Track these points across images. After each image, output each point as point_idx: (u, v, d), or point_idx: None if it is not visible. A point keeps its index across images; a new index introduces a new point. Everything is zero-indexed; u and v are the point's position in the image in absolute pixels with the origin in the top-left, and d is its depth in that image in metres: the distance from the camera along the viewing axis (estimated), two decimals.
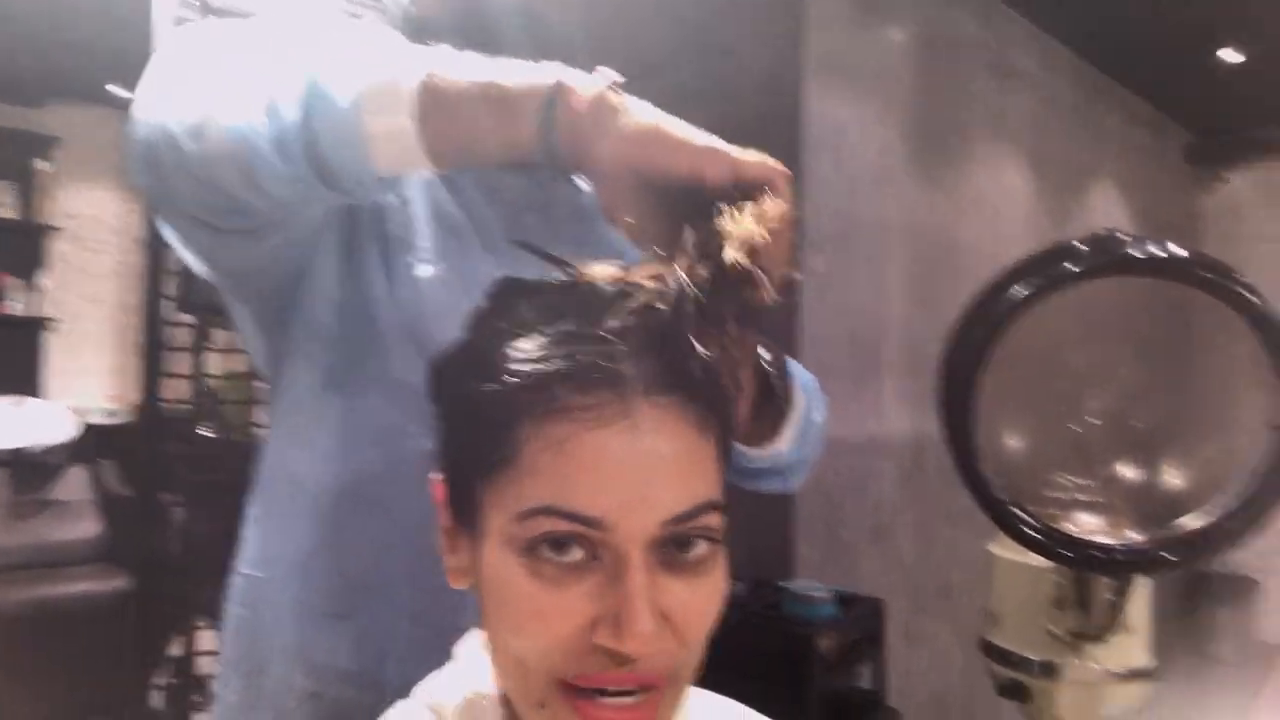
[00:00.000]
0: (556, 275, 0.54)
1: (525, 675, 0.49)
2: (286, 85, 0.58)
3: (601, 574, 0.47)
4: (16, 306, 4.28)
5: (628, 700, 0.48)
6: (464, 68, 0.59)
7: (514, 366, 0.48)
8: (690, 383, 0.49)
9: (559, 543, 0.47)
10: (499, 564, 0.49)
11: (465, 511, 0.52)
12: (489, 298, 0.54)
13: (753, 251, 0.52)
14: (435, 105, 0.57)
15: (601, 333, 0.48)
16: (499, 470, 0.48)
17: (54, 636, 3.21)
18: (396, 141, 0.57)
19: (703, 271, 0.51)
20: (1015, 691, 1.26)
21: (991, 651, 1.32)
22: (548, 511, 0.47)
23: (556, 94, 0.57)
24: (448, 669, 0.58)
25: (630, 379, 0.47)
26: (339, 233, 0.83)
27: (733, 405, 0.53)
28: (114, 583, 3.36)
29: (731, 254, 0.51)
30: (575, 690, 0.48)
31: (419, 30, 0.91)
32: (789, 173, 0.58)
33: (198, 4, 1.80)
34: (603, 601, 0.47)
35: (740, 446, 0.82)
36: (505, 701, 0.54)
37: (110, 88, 4.19)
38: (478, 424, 0.49)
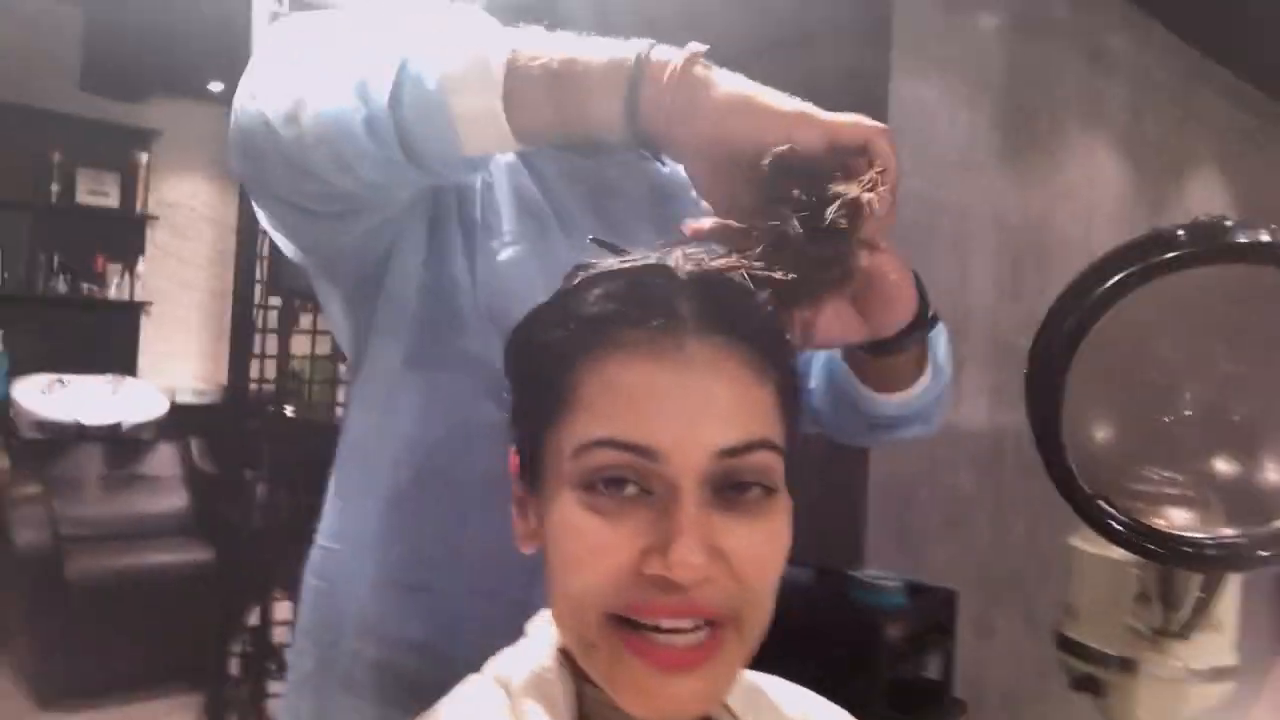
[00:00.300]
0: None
1: (579, 614, 0.49)
2: (376, 68, 0.58)
3: (655, 507, 0.48)
4: (115, 291, 4.47)
5: (682, 640, 0.48)
6: (550, 45, 0.59)
7: (573, 312, 0.51)
8: (745, 325, 0.50)
9: (614, 479, 0.48)
10: (558, 505, 0.50)
11: (533, 471, 0.53)
12: (569, 274, 0.56)
13: (856, 214, 0.52)
14: (520, 85, 0.57)
15: (657, 278, 0.50)
16: (558, 414, 0.50)
17: (141, 604, 3.37)
18: (483, 122, 0.58)
19: (804, 241, 0.52)
20: (1090, 686, 1.24)
21: (1067, 645, 1.30)
22: (602, 444, 0.48)
23: (640, 71, 0.57)
24: (519, 644, 0.59)
25: (684, 316, 0.49)
26: (424, 215, 0.85)
27: (791, 352, 0.53)
28: (198, 554, 3.51)
29: (833, 216, 0.51)
30: (629, 626, 0.48)
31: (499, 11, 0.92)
32: (887, 128, 0.56)
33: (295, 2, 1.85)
34: (653, 533, 0.47)
35: (881, 395, 0.83)
36: (573, 676, 0.54)
37: (210, 85, 4.35)
38: (540, 374, 0.51)
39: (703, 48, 0.60)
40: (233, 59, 1.75)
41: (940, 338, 0.93)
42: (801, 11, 2.63)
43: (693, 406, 0.48)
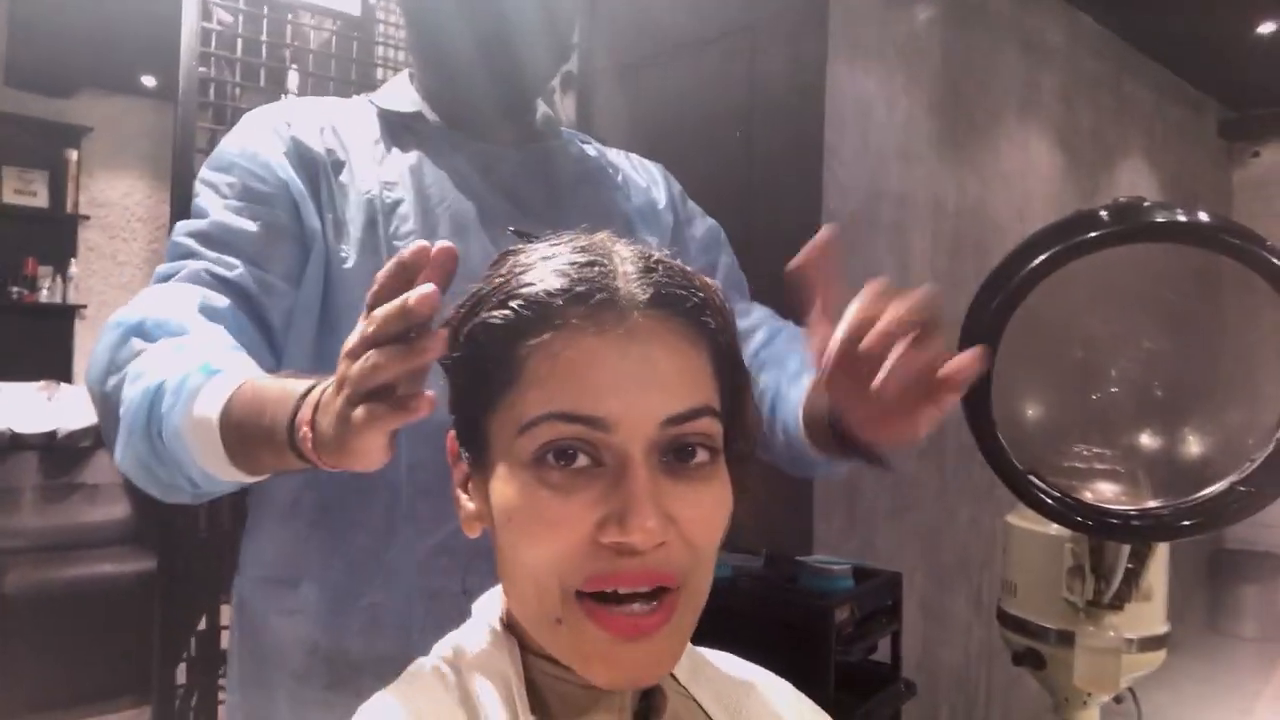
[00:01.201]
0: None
1: (539, 592, 0.50)
2: (143, 403, 0.68)
3: (606, 478, 0.49)
4: (47, 294, 4.35)
5: (642, 607, 0.49)
6: (254, 390, 0.64)
7: (516, 292, 0.51)
8: (679, 300, 0.52)
9: (563, 451, 0.49)
10: (507, 484, 0.50)
11: (475, 452, 0.54)
12: (491, 265, 0.56)
13: None
14: (228, 432, 0.64)
15: (595, 256, 0.52)
16: (502, 394, 0.51)
17: (83, 615, 3.28)
18: (217, 461, 0.66)
19: None
20: (1031, 660, 1.27)
21: (1008, 620, 1.33)
22: (550, 418, 0.48)
23: (294, 419, 0.59)
24: (464, 625, 0.59)
25: (624, 291, 0.50)
26: (316, 263, 0.88)
27: (726, 326, 0.55)
28: (141, 563, 3.42)
29: None
30: (590, 599, 0.49)
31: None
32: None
33: None
34: (607, 503, 0.48)
35: (812, 453, 0.86)
36: (519, 650, 0.55)
37: (142, 79, 4.24)
38: (483, 356, 0.51)
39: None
40: (164, 52, 1.72)
41: None
42: (741, 5, 2.64)
43: (639, 377, 0.49)
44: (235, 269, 0.83)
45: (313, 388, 0.58)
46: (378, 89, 1.01)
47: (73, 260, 4.45)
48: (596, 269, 0.51)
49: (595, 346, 0.49)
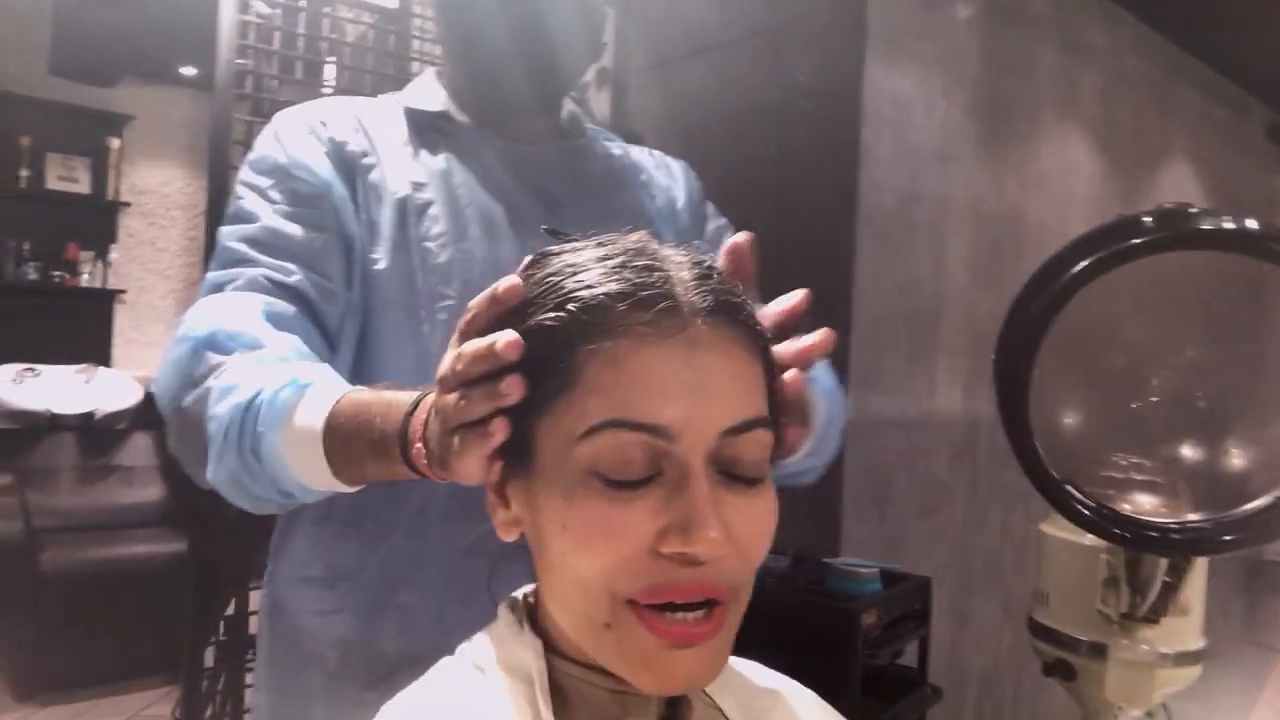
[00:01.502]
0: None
1: (589, 599, 0.50)
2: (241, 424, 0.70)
3: (665, 487, 0.48)
4: (87, 279, 4.42)
5: (694, 615, 0.49)
6: (356, 404, 0.67)
7: (573, 294, 0.50)
8: (736, 308, 0.51)
9: (623, 459, 0.48)
10: (561, 491, 0.49)
11: (518, 455, 0.52)
12: (528, 264, 0.55)
13: None
14: (333, 444, 0.67)
15: (651, 261, 0.51)
16: (556, 398, 0.50)
17: (117, 595, 3.33)
18: (318, 473, 0.68)
19: None
20: (1062, 670, 1.25)
21: (1039, 630, 1.31)
22: (612, 425, 0.48)
23: (406, 433, 0.61)
24: (491, 626, 0.59)
25: (684, 299, 0.50)
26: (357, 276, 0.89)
27: (769, 340, 0.55)
28: (173, 545, 3.47)
29: None
30: (642, 608, 0.49)
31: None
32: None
33: None
34: (668, 513, 0.48)
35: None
36: (547, 652, 0.55)
37: (182, 70, 4.30)
38: (535, 358, 0.50)
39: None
40: (204, 44, 1.74)
41: (835, 412, 0.94)
42: (777, 4, 2.63)
43: (701, 386, 0.49)
44: (294, 274, 0.83)
45: (417, 404, 0.61)
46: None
47: (113, 246, 4.53)
48: (656, 274, 0.50)
49: (659, 354, 0.48)
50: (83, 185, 4.44)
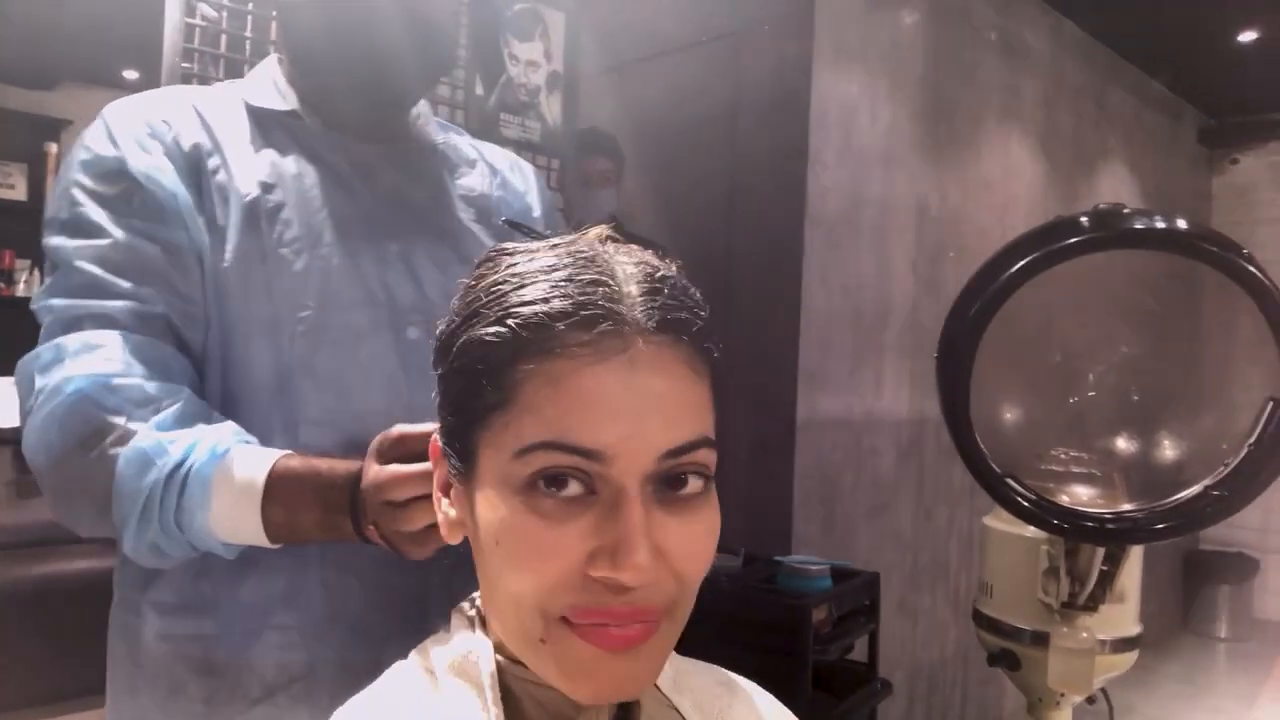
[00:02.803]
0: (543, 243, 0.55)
1: (523, 615, 0.49)
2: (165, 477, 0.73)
3: (599, 508, 0.48)
4: (23, 288, 4.30)
5: (628, 628, 0.49)
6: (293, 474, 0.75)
7: (514, 310, 0.49)
8: (684, 324, 0.50)
9: (556, 478, 0.48)
10: (496, 505, 0.49)
11: (462, 462, 0.52)
12: (481, 263, 0.55)
13: None
14: (272, 513, 0.74)
15: (598, 274, 0.50)
16: (496, 413, 0.49)
17: (54, 614, 3.24)
18: (247, 534, 0.75)
19: None
20: (1006, 660, 1.28)
21: (983, 621, 1.34)
22: (546, 446, 0.47)
23: (356, 514, 0.72)
24: (444, 631, 0.59)
25: (628, 318, 0.48)
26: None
27: (720, 351, 0.54)
28: (113, 561, 3.37)
29: None
30: (574, 625, 0.48)
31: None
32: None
33: None
34: (600, 536, 0.47)
35: None
36: (498, 654, 0.55)
37: (124, 73, 4.21)
38: (477, 371, 0.50)
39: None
40: (147, 46, 1.70)
41: None
42: (727, 8, 2.65)
43: (639, 408, 0.48)
44: (157, 304, 0.80)
45: (355, 491, 0.71)
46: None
47: (72, 223, 4.41)
48: (600, 290, 0.49)
49: (596, 375, 0.47)
50: (19, 192, 4.31)
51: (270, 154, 0.87)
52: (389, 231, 0.89)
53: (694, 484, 0.50)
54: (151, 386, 0.76)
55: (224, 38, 1.71)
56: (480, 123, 1.97)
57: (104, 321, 0.78)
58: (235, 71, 1.78)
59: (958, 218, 3.12)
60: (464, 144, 1.03)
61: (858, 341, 2.71)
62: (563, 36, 2.11)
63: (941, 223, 3.03)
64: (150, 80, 1.68)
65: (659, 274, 0.51)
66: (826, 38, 2.55)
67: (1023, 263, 1.10)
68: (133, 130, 0.84)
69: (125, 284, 0.79)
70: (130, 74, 4.32)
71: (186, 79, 1.66)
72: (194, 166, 0.84)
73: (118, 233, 0.80)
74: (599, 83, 2.70)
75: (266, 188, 0.85)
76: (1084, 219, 1.14)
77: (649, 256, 0.53)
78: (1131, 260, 1.16)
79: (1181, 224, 1.10)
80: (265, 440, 0.80)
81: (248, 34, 1.73)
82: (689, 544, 0.49)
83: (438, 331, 0.55)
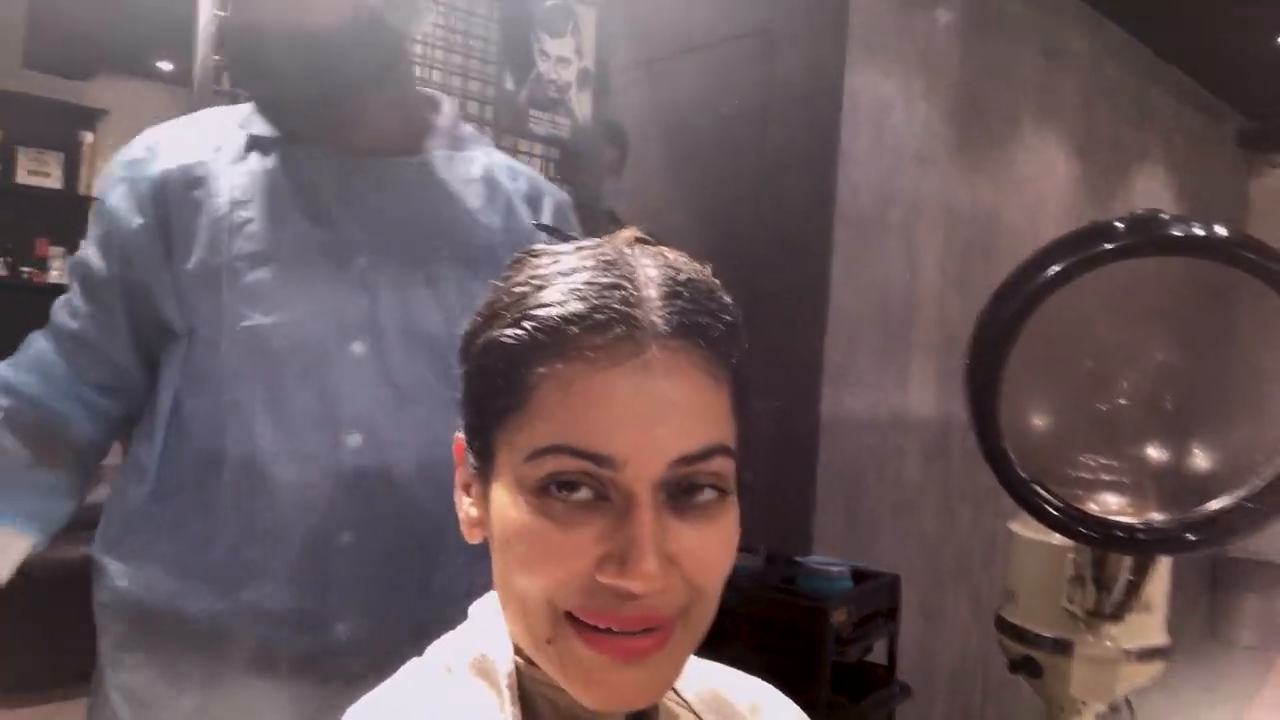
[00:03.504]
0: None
1: (529, 615, 0.49)
2: None
3: (610, 514, 0.47)
4: (56, 275, 4.36)
5: (637, 635, 0.48)
6: None
7: (531, 312, 0.49)
8: (703, 330, 0.49)
9: (568, 483, 0.47)
10: (509, 506, 0.49)
11: (481, 462, 0.53)
12: (511, 264, 0.55)
13: None
14: None
15: (617, 278, 0.49)
16: (511, 415, 0.49)
17: (33, 603, 3.26)
18: None
19: None
20: (1028, 668, 1.27)
21: (1006, 628, 1.32)
22: (557, 450, 0.47)
23: None
24: (460, 628, 0.59)
25: (645, 321, 0.48)
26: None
27: (745, 357, 0.53)
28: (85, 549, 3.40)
29: None
30: (583, 623, 0.48)
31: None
32: None
33: None
34: (610, 541, 0.47)
35: None
36: (515, 656, 0.54)
37: (158, 64, 4.26)
38: (494, 373, 0.50)
39: None
40: (181, 38, 1.72)
41: None
42: (760, 6, 2.64)
43: (651, 414, 0.47)
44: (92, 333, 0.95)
45: None
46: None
47: (83, 242, 4.47)
48: (618, 293, 0.48)
49: (608, 380, 0.47)
50: (54, 180, 4.38)
51: (248, 170, 0.92)
52: (352, 249, 0.92)
53: (710, 494, 0.49)
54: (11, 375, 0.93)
55: None
56: (510, 119, 1.98)
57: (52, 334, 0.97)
58: None
59: (989, 217, 3.08)
60: (474, 161, 1.02)
61: (885, 340, 2.69)
62: (594, 32, 2.10)
63: (972, 222, 3.01)
64: (183, 71, 1.69)
65: (681, 277, 0.50)
66: (860, 35, 2.52)
67: (1057, 268, 1.09)
68: (121, 160, 0.97)
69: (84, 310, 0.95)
70: (164, 65, 4.37)
71: (219, 71, 1.67)
72: (158, 192, 0.91)
73: (98, 266, 0.95)
74: (630, 79, 2.69)
75: (237, 204, 0.90)
76: (1120, 224, 1.12)
77: (677, 259, 0.52)
78: (1167, 267, 1.15)
79: (1220, 231, 1.08)
80: (223, 446, 0.88)
81: None
82: (702, 552, 0.49)
83: (463, 331, 0.55)
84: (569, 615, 0.48)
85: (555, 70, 2.04)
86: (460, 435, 0.56)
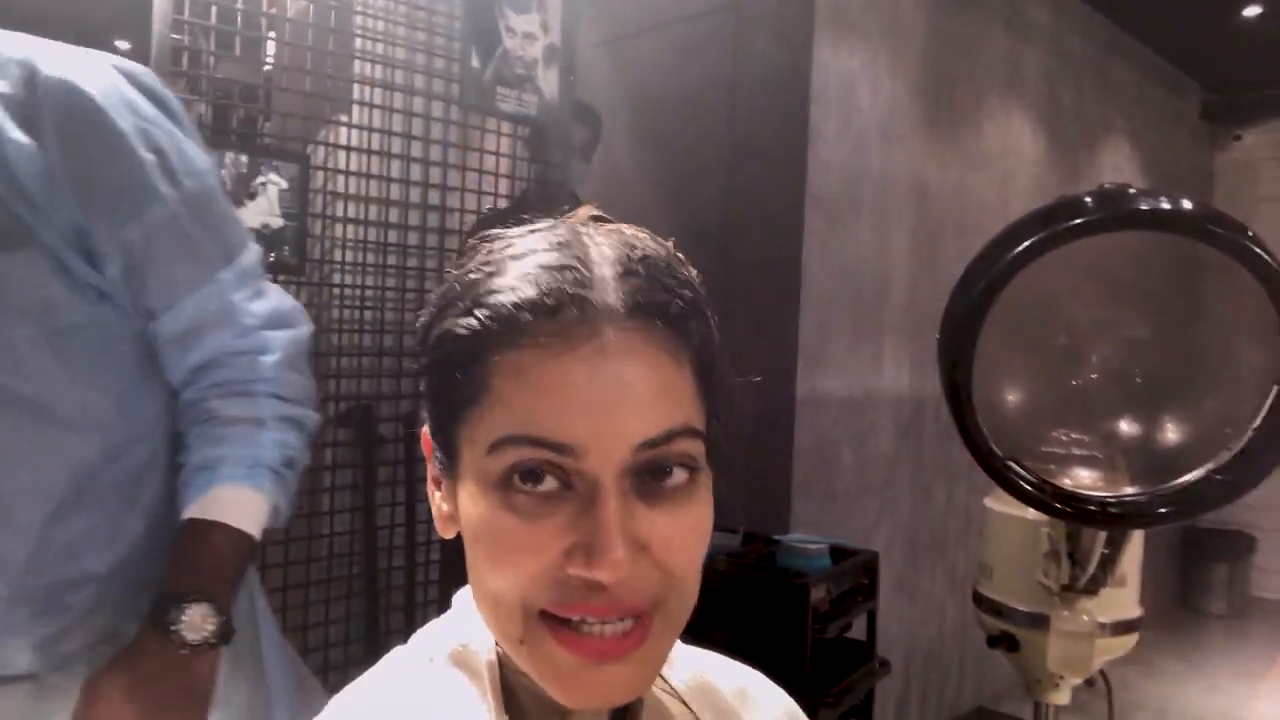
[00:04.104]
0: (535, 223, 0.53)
1: (501, 614, 0.48)
2: None
3: (575, 503, 0.46)
4: None
5: (610, 629, 0.47)
6: None
7: (484, 300, 0.47)
8: (661, 308, 0.47)
9: (530, 473, 0.46)
10: (474, 501, 0.48)
11: (448, 456, 0.51)
12: (462, 251, 0.53)
13: None
14: None
15: (569, 259, 0.47)
16: (470, 407, 0.48)
17: None
18: None
19: None
20: (1005, 642, 1.28)
21: (982, 603, 1.33)
22: (515, 440, 0.46)
23: None
24: (444, 617, 0.57)
25: (597, 303, 0.46)
26: None
27: (710, 332, 0.51)
28: None
29: None
30: (556, 620, 0.47)
31: None
32: None
33: None
34: (576, 531, 0.45)
35: None
36: (495, 650, 0.54)
37: (116, 43, 4.16)
38: (450, 364, 0.48)
39: None
40: (138, 17, 1.68)
41: None
42: None
43: (610, 399, 0.45)
44: None
45: None
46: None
47: None
48: (570, 274, 0.47)
49: (564, 366, 0.45)
50: None
51: None
52: None
53: (679, 475, 0.48)
54: None
55: (214, 9, 1.68)
56: (476, 96, 1.95)
57: None
58: (227, 43, 1.75)
59: (958, 194, 3.09)
60: None
61: (857, 319, 2.70)
62: (560, 8, 2.07)
63: (941, 199, 3.01)
64: (141, 52, 1.65)
65: (637, 254, 0.49)
66: (827, 9, 2.51)
67: (1026, 244, 1.09)
68: None
69: None
70: (122, 44, 4.27)
71: (177, 51, 1.63)
72: None
73: None
74: (597, 55, 2.66)
75: None
76: (1088, 199, 1.13)
77: (635, 236, 0.51)
78: (1136, 241, 1.15)
79: (1187, 205, 1.09)
80: None
81: (239, 5, 1.70)
82: (673, 537, 0.47)
83: (418, 323, 0.53)
84: (542, 613, 0.47)
85: (521, 47, 2.01)
86: (426, 430, 0.55)
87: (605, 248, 0.49)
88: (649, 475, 0.47)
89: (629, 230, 0.52)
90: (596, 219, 0.53)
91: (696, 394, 0.49)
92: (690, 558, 0.49)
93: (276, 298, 0.94)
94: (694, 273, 0.51)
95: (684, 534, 0.48)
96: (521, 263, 0.48)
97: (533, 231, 0.51)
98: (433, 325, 0.50)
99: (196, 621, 0.82)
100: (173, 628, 0.81)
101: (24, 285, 0.79)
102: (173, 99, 0.91)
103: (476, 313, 0.47)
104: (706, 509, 0.50)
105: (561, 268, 0.47)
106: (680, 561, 0.48)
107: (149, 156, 0.84)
